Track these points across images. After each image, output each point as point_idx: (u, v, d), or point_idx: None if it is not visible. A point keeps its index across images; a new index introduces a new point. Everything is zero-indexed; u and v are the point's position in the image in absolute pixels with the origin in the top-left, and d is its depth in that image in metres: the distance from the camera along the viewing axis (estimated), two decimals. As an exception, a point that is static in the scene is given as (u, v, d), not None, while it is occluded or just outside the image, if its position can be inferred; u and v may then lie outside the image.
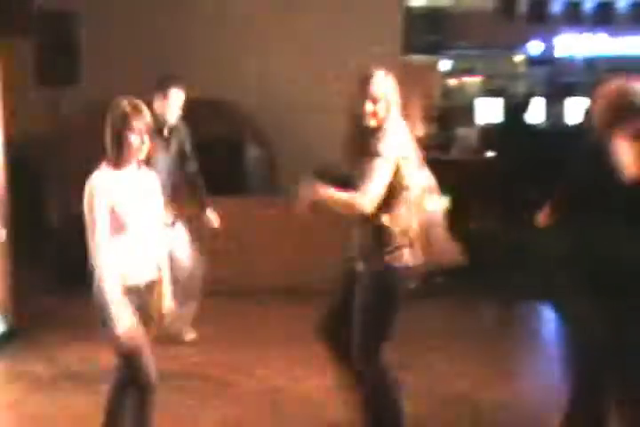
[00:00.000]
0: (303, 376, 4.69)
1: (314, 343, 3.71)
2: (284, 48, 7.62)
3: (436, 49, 13.41)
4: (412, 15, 10.08)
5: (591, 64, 13.87)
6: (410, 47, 9.26)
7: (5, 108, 5.45)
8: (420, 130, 12.91)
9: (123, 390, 3.38)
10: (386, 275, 3.55)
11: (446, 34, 13.46)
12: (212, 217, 5.14)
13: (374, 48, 7.07)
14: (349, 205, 3.46)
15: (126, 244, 3.26)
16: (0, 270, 5.39)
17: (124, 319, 3.16)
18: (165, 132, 4.94)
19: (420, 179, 3.71)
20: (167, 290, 3.46)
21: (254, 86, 7.37)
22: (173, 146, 5.00)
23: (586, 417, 3.62)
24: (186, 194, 5.18)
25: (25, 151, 6.99)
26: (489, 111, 11.29)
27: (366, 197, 3.43)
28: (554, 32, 13.49)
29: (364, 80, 3.52)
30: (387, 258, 3.53)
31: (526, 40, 13.90)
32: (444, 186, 9.31)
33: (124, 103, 3.30)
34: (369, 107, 3.49)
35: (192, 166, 5.15)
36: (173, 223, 4.94)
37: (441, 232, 3.89)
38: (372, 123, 3.51)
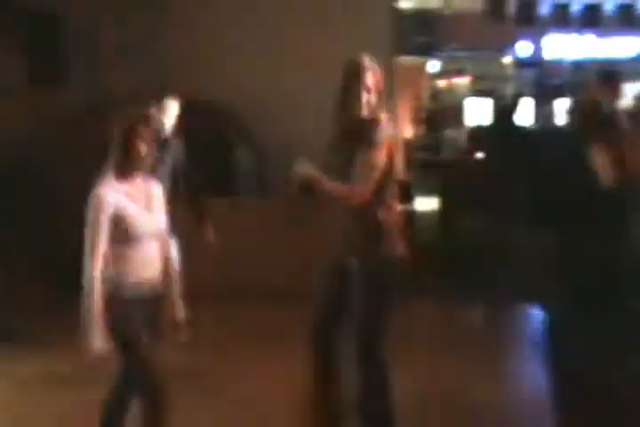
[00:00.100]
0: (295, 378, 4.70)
1: (306, 344, 3.70)
2: (273, 48, 7.61)
3: (425, 50, 13.43)
4: (401, 17, 10.08)
5: (579, 66, 13.93)
6: (399, 48, 9.26)
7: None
8: (410, 131, 12.93)
9: (123, 394, 3.36)
10: (384, 271, 3.53)
11: (435, 35, 13.48)
12: (210, 233, 4.99)
13: (363, 49, 7.06)
14: (347, 195, 3.44)
15: (133, 254, 3.22)
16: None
17: (95, 340, 3.10)
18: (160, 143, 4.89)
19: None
20: (177, 299, 3.42)
21: (240, 87, 7.35)
22: (168, 160, 4.94)
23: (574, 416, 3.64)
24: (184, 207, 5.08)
25: (9, 151, 6.97)
26: (478, 112, 11.32)
27: (364, 187, 3.42)
28: (542, 34, 13.54)
29: (358, 70, 3.51)
30: (383, 253, 3.51)
31: (515, 42, 13.94)
32: (434, 186, 9.30)
33: (132, 113, 3.27)
34: (364, 97, 3.49)
35: (189, 180, 5.06)
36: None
37: None
38: (365, 113, 3.51)
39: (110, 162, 3.24)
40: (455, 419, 4.28)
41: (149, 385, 3.21)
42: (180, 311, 3.43)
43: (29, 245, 6.66)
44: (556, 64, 14.09)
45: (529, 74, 13.72)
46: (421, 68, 13.81)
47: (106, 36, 7.37)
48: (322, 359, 3.68)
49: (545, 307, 3.71)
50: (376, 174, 3.43)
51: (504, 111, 9.90)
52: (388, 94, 3.60)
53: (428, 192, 8.82)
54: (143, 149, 3.22)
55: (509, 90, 13.64)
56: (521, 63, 14.18)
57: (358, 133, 3.46)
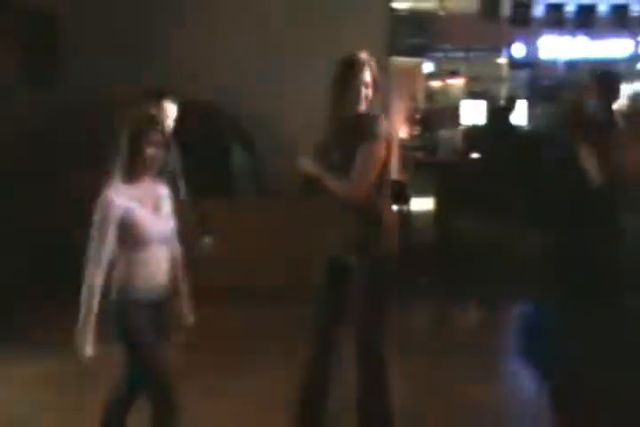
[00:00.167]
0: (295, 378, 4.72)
1: (306, 344, 3.72)
2: (269, 48, 7.63)
3: (419, 51, 13.44)
4: (395, 18, 10.10)
5: (573, 66, 13.96)
6: (394, 49, 9.28)
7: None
8: (405, 131, 12.96)
9: (123, 394, 3.37)
10: (383, 270, 3.55)
11: (430, 36, 13.49)
12: (209, 245, 4.84)
13: (359, 50, 7.08)
14: (349, 191, 3.45)
15: (141, 258, 3.20)
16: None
17: (85, 347, 3.09)
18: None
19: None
20: (185, 302, 3.43)
21: (237, 87, 7.37)
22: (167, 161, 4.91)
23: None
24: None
25: (8, 151, 6.98)
26: (473, 113, 11.35)
27: (365, 182, 3.44)
28: (537, 35, 13.56)
29: (357, 66, 3.54)
30: (383, 251, 3.53)
31: (510, 43, 13.96)
32: (430, 187, 9.34)
33: (139, 114, 3.26)
34: (364, 92, 3.52)
35: (187, 181, 5.05)
36: None
37: None
38: (364, 107, 3.54)
39: (117, 164, 3.20)
40: (453, 419, 4.30)
41: (160, 386, 3.21)
42: (189, 315, 3.42)
43: (29, 245, 6.67)
44: (551, 65, 14.11)
45: (524, 75, 13.73)
46: (416, 68, 13.82)
47: (104, 36, 7.38)
48: (321, 360, 3.69)
49: (540, 307, 3.72)
50: (376, 169, 3.45)
51: (499, 112, 9.95)
52: (383, 94, 3.64)
53: (423, 192, 8.85)
54: (152, 151, 3.20)
55: (504, 91, 13.66)
56: (516, 64, 14.19)
57: (358, 128, 3.48)
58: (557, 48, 14.03)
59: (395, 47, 9.57)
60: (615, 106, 6.16)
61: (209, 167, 6.48)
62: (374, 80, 3.59)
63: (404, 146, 12.08)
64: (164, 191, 3.39)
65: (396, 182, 8.40)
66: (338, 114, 3.56)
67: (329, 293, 3.66)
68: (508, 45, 14.08)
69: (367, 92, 3.54)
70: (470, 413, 4.37)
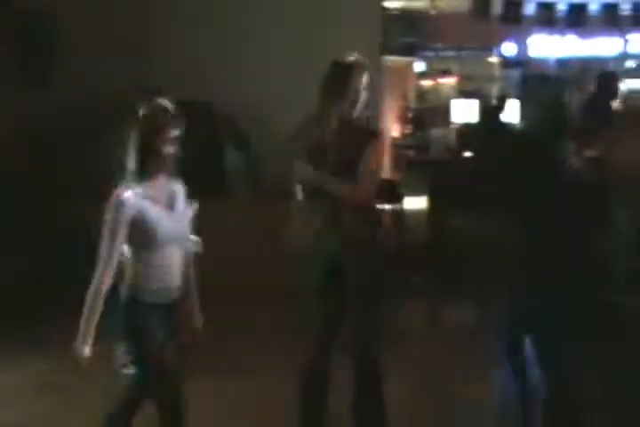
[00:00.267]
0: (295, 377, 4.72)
1: (303, 344, 3.71)
2: (260, 48, 7.62)
3: (411, 50, 13.45)
4: (387, 17, 10.10)
5: (564, 64, 14.01)
6: (385, 48, 9.28)
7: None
8: (397, 130, 12.97)
9: (131, 397, 3.33)
10: (379, 269, 3.57)
11: (421, 35, 13.50)
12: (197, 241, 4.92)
13: (350, 49, 7.07)
14: (355, 195, 3.47)
15: (153, 259, 3.11)
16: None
17: (83, 349, 3.03)
18: None
19: None
20: (195, 305, 3.37)
21: (231, 87, 7.36)
22: None
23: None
24: None
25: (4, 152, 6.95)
26: (465, 112, 11.35)
27: (368, 186, 3.47)
28: (528, 34, 13.59)
29: (356, 69, 3.56)
30: (382, 248, 3.55)
31: (501, 42, 13.98)
32: (423, 186, 9.33)
33: (157, 109, 3.13)
34: (362, 96, 3.56)
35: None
36: None
37: None
38: (361, 110, 3.57)
39: (130, 162, 3.10)
40: (446, 418, 4.30)
41: (167, 387, 3.17)
42: (198, 318, 3.37)
43: (29, 245, 6.65)
44: (542, 64, 14.14)
45: (515, 73, 13.76)
46: (408, 67, 13.83)
47: (104, 36, 7.36)
48: (321, 360, 3.69)
49: (528, 306, 3.72)
50: (378, 172, 3.49)
51: (490, 110, 9.96)
52: (375, 94, 3.66)
53: (416, 191, 8.85)
54: (169, 149, 3.10)
55: (496, 89, 13.68)
56: (507, 63, 14.22)
57: (358, 131, 3.50)
58: (548, 46, 14.07)
59: (386, 46, 9.58)
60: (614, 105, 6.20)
61: (203, 167, 6.46)
62: (368, 82, 3.62)
63: (397, 145, 12.09)
64: (179, 188, 3.27)
65: (388, 181, 8.41)
66: (335, 117, 3.56)
67: (329, 293, 3.66)
68: (500, 44, 14.11)
69: (364, 96, 3.58)
70: (464, 412, 4.37)
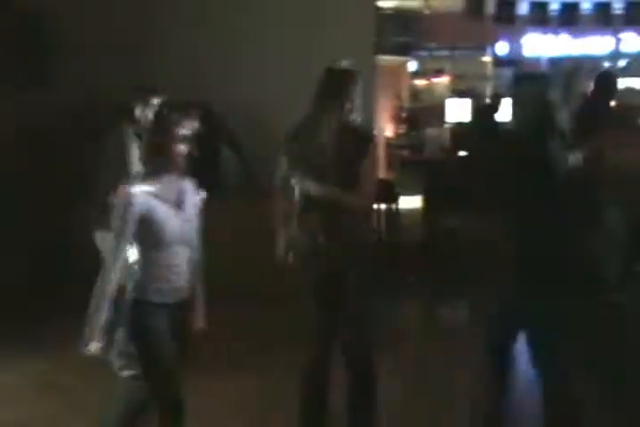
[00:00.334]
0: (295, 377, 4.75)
1: (303, 344, 3.73)
2: (255, 47, 7.63)
3: (405, 50, 13.47)
4: (381, 16, 10.13)
5: (556, 64, 14.06)
6: (379, 48, 9.31)
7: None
8: (391, 130, 13.00)
9: (136, 403, 3.34)
10: (371, 268, 3.61)
11: (415, 35, 13.52)
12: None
13: (344, 49, 7.10)
14: (364, 200, 3.52)
15: (161, 259, 3.09)
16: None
17: (91, 346, 3.02)
18: None
19: None
20: (200, 306, 3.35)
21: (226, 88, 7.37)
22: None
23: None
24: None
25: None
26: (459, 111, 11.39)
27: (370, 190, 3.52)
28: (521, 33, 13.63)
29: (351, 78, 3.62)
30: (369, 251, 3.60)
31: (494, 41, 14.02)
32: (418, 185, 9.33)
33: (167, 108, 3.11)
34: (358, 102, 3.62)
35: None
36: None
37: None
38: (355, 115, 3.62)
39: (140, 161, 3.11)
40: (441, 417, 4.33)
41: (169, 388, 3.17)
42: (202, 319, 3.36)
43: (29, 245, 6.66)
44: (535, 63, 14.19)
45: (509, 73, 13.80)
46: (401, 67, 13.86)
47: (104, 36, 7.36)
48: (321, 359, 3.72)
49: (519, 305, 3.75)
50: (375, 175, 3.55)
51: (484, 109, 9.99)
52: (369, 94, 3.71)
53: (410, 191, 8.89)
54: (179, 150, 3.07)
55: (489, 88, 13.72)
56: (500, 62, 14.26)
57: (355, 137, 3.54)
58: (541, 46, 14.11)
59: (380, 46, 9.61)
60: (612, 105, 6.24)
61: (198, 168, 6.46)
62: (359, 88, 3.70)
63: (391, 144, 12.12)
64: (188, 187, 3.24)
65: (383, 181, 8.44)
66: (329, 122, 3.60)
67: (329, 293, 3.69)
68: (493, 44, 14.14)
69: (359, 102, 3.65)
70: (458, 412, 4.39)
